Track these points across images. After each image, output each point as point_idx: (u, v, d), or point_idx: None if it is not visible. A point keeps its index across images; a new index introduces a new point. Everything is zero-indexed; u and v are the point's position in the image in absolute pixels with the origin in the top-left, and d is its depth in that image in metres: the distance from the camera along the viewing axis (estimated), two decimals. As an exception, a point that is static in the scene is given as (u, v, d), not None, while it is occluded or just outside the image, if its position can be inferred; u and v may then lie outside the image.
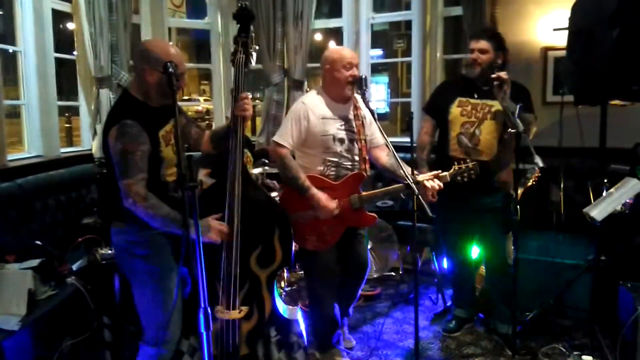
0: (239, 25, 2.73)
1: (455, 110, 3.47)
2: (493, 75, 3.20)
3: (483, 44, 3.36)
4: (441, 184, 3.03)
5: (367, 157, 3.13)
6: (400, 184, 2.96)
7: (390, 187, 3.12)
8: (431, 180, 3.02)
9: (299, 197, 3.05)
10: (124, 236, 2.49)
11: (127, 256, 2.50)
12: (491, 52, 3.36)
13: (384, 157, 3.24)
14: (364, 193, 3.12)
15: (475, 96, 3.44)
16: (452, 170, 3.07)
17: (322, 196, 3.02)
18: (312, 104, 3.12)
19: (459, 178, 3.06)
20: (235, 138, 2.66)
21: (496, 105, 3.37)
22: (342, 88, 3.09)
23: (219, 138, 2.77)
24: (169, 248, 2.50)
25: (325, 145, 3.09)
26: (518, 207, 3.27)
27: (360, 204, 3.10)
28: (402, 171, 2.81)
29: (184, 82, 2.51)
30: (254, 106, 2.81)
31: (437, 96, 3.72)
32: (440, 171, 3.08)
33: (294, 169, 3.04)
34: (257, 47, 2.78)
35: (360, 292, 3.61)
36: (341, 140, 3.11)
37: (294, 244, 2.91)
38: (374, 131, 3.23)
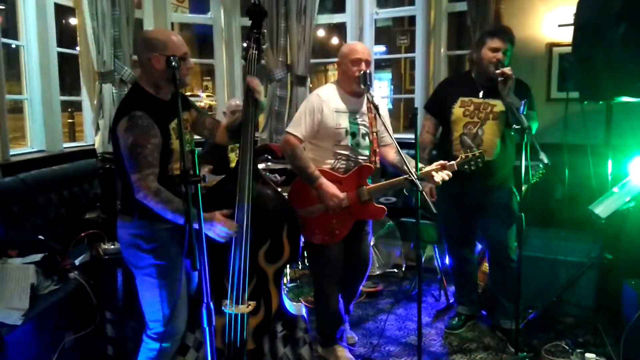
0: (251, 21, 2.73)
1: (457, 110, 3.46)
2: (497, 71, 3.18)
3: (505, 44, 3.31)
4: (450, 174, 3.01)
5: (377, 150, 3.08)
6: (401, 177, 2.97)
7: (395, 179, 3.09)
8: (440, 172, 3.00)
9: (308, 192, 3.06)
10: (130, 230, 2.46)
11: (133, 250, 2.48)
12: (507, 52, 3.33)
13: (392, 154, 3.22)
14: (371, 185, 3.12)
15: (480, 95, 3.43)
16: (458, 160, 3.04)
17: (330, 186, 3.02)
18: (327, 97, 3.12)
19: (466, 167, 3.03)
20: (246, 131, 2.66)
21: (498, 105, 3.37)
22: (350, 82, 3.09)
23: (237, 129, 2.73)
24: (176, 243, 2.48)
25: (337, 139, 3.10)
26: (522, 203, 3.26)
27: (368, 196, 3.10)
28: (406, 167, 2.79)
29: (191, 64, 2.50)
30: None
31: (438, 95, 3.68)
32: (446, 162, 3.05)
33: (304, 159, 3.05)
34: (267, 44, 2.79)
35: (361, 289, 3.61)
36: (353, 134, 3.12)
37: (301, 238, 2.90)
38: (382, 129, 3.21)
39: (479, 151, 3.05)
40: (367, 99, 3.07)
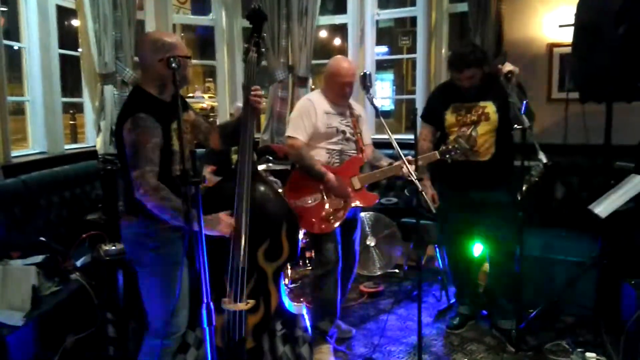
0: (251, 25, 2.74)
1: (450, 116, 3.54)
2: (504, 71, 3.20)
3: (469, 72, 3.36)
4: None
5: (363, 147, 3.49)
6: (396, 164, 3.28)
7: (386, 167, 3.39)
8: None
9: (305, 183, 3.36)
10: (135, 229, 2.48)
11: (138, 249, 2.50)
12: (478, 72, 3.37)
13: (369, 152, 3.57)
14: (362, 174, 3.42)
15: (469, 99, 3.47)
16: (441, 149, 3.30)
17: (339, 180, 3.34)
18: (317, 101, 3.44)
19: (447, 156, 3.27)
20: (245, 132, 2.67)
21: (489, 106, 3.43)
22: (336, 97, 3.44)
23: (227, 133, 2.77)
24: (179, 242, 2.50)
25: (330, 138, 3.40)
26: (523, 203, 3.27)
27: (361, 184, 3.40)
28: (405, 168, 2.92)
29: (190, 63, 2.53)
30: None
31: (431, 104, 3.76)
32: (434, 152, 3.33)
33: (310, 158, 3.36)
34: (266, 48, 2.81)
35: (349, 287, 3.78)
36: (343, 132, 3.44)
37: (300, 235, 2.96)
38: (364, 130, 3.57)
39: (455, 137, 3.29)
40: (367, 100, 3.26)
